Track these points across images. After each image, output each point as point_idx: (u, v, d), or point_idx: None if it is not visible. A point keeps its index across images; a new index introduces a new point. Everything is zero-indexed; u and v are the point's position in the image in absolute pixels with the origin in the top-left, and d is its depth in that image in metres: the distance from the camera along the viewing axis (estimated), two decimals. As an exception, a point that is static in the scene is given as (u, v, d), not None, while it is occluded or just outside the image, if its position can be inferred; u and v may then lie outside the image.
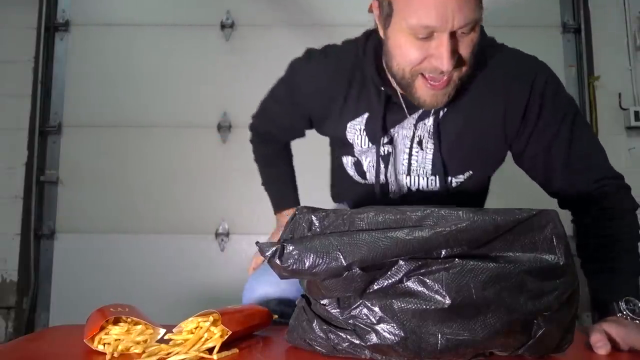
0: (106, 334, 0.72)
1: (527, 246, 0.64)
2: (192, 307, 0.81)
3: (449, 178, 0.96)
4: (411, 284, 0.63)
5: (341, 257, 0.61)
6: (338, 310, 0.67)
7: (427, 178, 0.97)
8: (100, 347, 0.70)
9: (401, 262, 0.63)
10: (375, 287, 0.64)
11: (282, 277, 0.64)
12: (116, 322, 0.75)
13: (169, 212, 2.41)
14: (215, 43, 2.51)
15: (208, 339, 0.69)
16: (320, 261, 0.61)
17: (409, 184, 0.98)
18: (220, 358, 0.67)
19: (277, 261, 0.62)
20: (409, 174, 0.97)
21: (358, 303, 0.65)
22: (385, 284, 0.64)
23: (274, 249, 0.62)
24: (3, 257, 2.40)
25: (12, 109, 2.46)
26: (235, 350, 0.70)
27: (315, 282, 0.66)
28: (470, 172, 0.97)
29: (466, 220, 0.61)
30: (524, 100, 0.90)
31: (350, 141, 0.98)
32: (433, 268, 0.62)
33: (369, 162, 0.99)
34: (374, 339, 0.63)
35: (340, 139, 0.99)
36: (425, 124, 0.93)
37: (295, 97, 1.02)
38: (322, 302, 0.69)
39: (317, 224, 0.67)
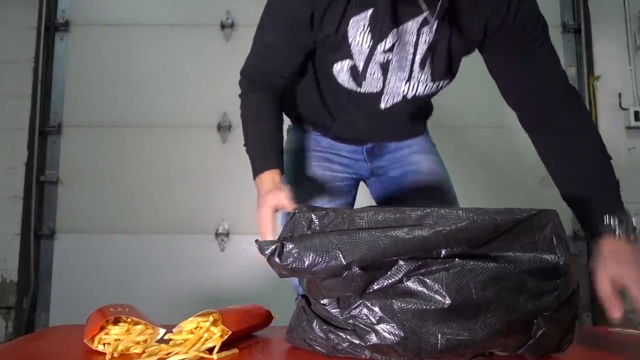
0: (106, 334, 0.72)
1: (527, 246, 0.64)
2: (192, 307, 0.81)
3: (441, 82, 0.97)
4: (411, 284, 0.63)
5: (341, 256, 0.61)
6: (338, 310, 0.67)
7: (427, 85, 0.96)
8: (100, 347, 0.70)
9: (401, 262, 0.63)
10: (375, 287, 0.64)
11: (281, 276, 0.64)
12: (116, 322, 0.75)
13: (169, 212, 2.41)
14: (215, 43, 2.51)
15: (208, 339, 0.69)
16: (320, 260, 0.61)
17: (406, 91, 0.97)
18: (220, 358, 0.67)
19: (277, 260, 0.62)
20: (409, 80, 0.95)
21: (358, 303, 0.65)
22: (385, 283, 0.64)
23: (273, 247, 0.62)
24: (3, 257, 2.40)
25: (12, 109, 2.46)
26: (235, 350, 0.70)
27: (315, 281, 0.66)
28: (448, 80, 0.98)
29: (466, 219, 0.61)
30: (503, 10, 0.89)
31: (351, 39, 0.91)
32: (433, 268, 0.62)
33: (371, 69, 0.94)
34: (373, 339, 0.63)
35: (338, 39, 0.92)
36: (430, 29, 0.90)
37: (296, 5, 0.91)
38: (322, 302, 0.68)
39: (316, 223, 0.67)
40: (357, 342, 0.65)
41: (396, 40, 0.91)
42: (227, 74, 2.53)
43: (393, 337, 0.62)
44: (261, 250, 0.63)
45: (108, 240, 2.39)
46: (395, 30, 0.90)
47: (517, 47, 0.91)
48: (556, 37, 2.53)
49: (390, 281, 0.64)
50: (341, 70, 0.96)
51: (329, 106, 1.08)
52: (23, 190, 2.42)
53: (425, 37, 0.91)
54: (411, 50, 0.92)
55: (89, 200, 2.43)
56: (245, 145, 1.06)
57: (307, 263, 0.61)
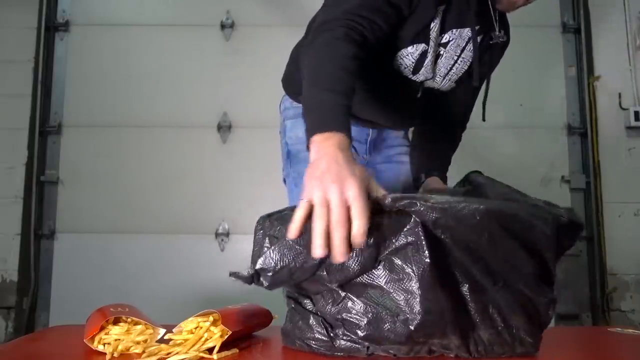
0: (106, 334, 0.72)
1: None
2: (192, 307, 0.81)
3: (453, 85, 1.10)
4: (382, 269, 0.64)
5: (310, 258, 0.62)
6: (326, 306, 0.68)
7: (450, 83, 1.08)
8: (100, 347, 0.70)
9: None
10: (356, 280, 0.65)
11: (271, 289, 0.65)
12: (116, 322, 0.75)
13: (168, 212, 2.41)
14: (215, 43, 2.51)
15: (208, 339, 0.69)
16: (294, 266, 0.63)
17: (437, 86, 1.08)
18: (220, 358, 0.67)
19: (262, 283, 0.64)
20: (444, 77, 1.05)
21: (342, 297, 0.67)
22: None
23: (249, 277, 0.65)
24: (3, 257, 2.40)
25: (12, 109, 2.46)
26: (235, 350, 0.70)
27: (299, 284, 0.68)
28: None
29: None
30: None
31: (432, 25, 0.95)
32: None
33: (431, 58, 0.99)
34: (364, 330, 0.65)
35: (425, 23, 0.94)
36: (477, 41, 1.01)
37: None
38: (307, 300, 0.70)
39: (277, 229, 0.68)
40: (351, 336, 0.66)
41: (452, 39, 0.99)
42: (227, 74, 2.54)
43: (381, 324, 0.64)
44: (244, 280, 0.65)
45: (108, 240, 2.39)
46: (456, 30, 0.99)
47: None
48: (556, 37, 2.53)
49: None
50: (411, 54, 0.97)
51: (364, 88, 1.00)
52: (23, 190, 2.42)
53: (470, 47, 1.02)
54: (458, 52, 1.02)
55: (89, 200, 2.43)
56: (304, 97, 0.80)
57: (285, 275, 0.63)
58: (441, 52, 1.00)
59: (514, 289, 0.65)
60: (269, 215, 0.71)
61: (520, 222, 0.65)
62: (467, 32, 1.00)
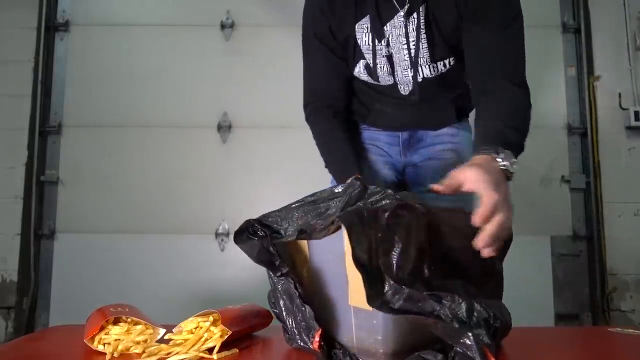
0: (106, 334, 0.72)
1: None
2: (192, 307, 0.81)
3: (446, 61, 1.07)
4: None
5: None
6: None
7: (429, 66, 1.07)
8: (100, 347, 0.70)
9: None
10: None
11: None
12: (116, 322, 0.75)
13: (169, 212, 2.41)
14: (215, 43, 2.51)
15: (208, 339, 0.69)
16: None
17: (414, 77, 1.08)
18: (220, 358, 0.67)
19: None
20: (412, 67, 1.07)
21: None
22: None
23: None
24: (3, 257, 2.40)
25: (12, 109, 2.46)
26: (235, 350, 0.70)
27: None
28: (453, 57, 1.06)
29: None
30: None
31: (359, 41, 1.07)
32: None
33: (380, 63, 1.08)
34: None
35: (352, 43, 1.08)
36: (414, 18, 1.02)
37: (316, 24, 1.10)
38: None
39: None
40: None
41: (389, 35, 1.05)
42: (227, 74, 2.54)
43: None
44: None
45: (108, 240, 2.39)
46: (386, 26, 1.04)
47: (484, 23, 0.99)
48: (556, 37, 2.53)
49: None
50: (360, 70, 1.10)
51: (363, 100, 1.22)
52: (23, 190, 2.42)
53: (412, 26, 1.03)
54: (404, 40, 1.04)
55: (89, 200, 2.42)
56: (325, 167, 1.15)
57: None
58: (391, 52, 1.06)
59: None
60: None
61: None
62: (397, 19, 1.03)
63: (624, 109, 2.48)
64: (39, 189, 2.44)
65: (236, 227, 0.75)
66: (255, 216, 0.75)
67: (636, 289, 2.39)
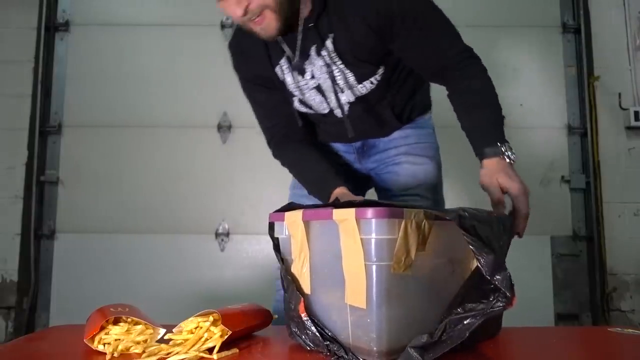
0: (106, 334, 0.72)
1: None
2: (192, 307, 0.81)
3: (373, 78, 1.10)
4: None
5: None
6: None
7: (358, 86, 1.11)
8: (100, 347, 0.70)
9: None
10: None
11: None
12: (116, 322, 0.75)
13: (169, 212, 2.41)
14: (215, 43, 2.51)
15: (208, 339, 0.69)
16: None
17: (349, 99, 1.13)
18: (220, 358, 0.67)
19: None
20: (342, 91, 1.12)
21: None
22: None
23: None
24: (3, 257, 2.40)
25: (12, 109, 2.46)
26: (235, 350, 0.70)
27: None
28: (383, 67, 1.10)
29: None
30: (379, 18, 1.01)
31: (284, 81, 1.13)
32: None
33: (310, 96, 1.13)
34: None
35: (281, 86, 1.14)
36: (327, 48, 1.05)
37: (242, 72, 1.18)
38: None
39: None
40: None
41: (311, 68, 1.09)
42: (227, 73, 2.52)
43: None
44: None
45: (108, 240, 2.39)
46: (306, 61, 1.08)
47: (405, 37, 1.03)
48: (556, 37, 2.53)
49: None
50: (297, 105, 1.17)
51: (311, 121, 1.26)
52: (23, 190, 2.42)
53: (329, 56, 1.06)
54: (325, 69, 1.09)
55: (89, 200, 2.43)
56: (309, 194, 1.17)
57: None
58: (318, 83, 1.11)
59: None
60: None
61: None
62: (312, 52, 1.06)
63: (624, 109, 2.48)
64: (39, 189, 2.44)
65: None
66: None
67: (636, 289, 2.39)
